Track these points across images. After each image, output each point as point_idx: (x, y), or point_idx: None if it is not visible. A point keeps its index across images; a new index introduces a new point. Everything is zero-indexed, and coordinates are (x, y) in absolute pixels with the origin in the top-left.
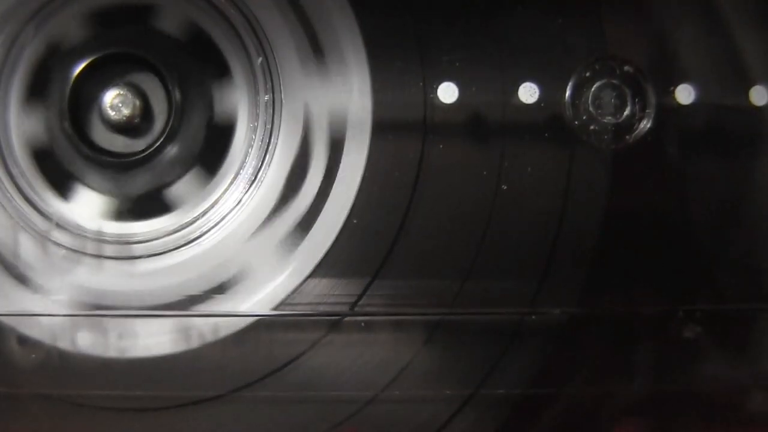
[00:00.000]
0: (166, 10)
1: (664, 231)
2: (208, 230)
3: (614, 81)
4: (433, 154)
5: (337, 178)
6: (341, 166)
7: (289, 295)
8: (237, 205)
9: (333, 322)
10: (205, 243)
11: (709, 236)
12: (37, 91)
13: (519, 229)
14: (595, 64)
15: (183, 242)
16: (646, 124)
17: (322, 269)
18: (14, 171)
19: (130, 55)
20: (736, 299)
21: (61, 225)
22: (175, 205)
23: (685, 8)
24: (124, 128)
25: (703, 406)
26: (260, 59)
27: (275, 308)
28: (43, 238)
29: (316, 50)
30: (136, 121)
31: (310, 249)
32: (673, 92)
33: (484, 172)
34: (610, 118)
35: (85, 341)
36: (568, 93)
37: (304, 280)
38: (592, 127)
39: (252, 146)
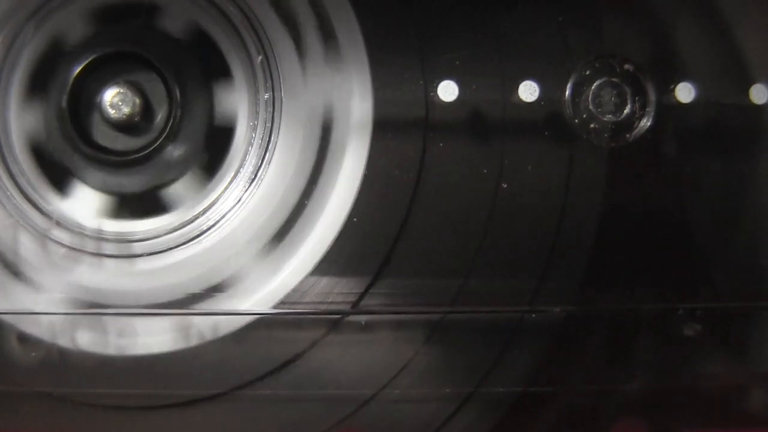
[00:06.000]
0: (166, 9)
1: (664, 229)
2: (208, 229)
3: (614, 79)
4: (434, 152)
5: (337, 177)
6: (342, 164)
7: (289, 294)
8: (237, 203)
9: (333, 321)
10: (205, 242)
11: (709, 234)
12: (37, 89)
13: (519, 228)
14: (595, 63)
15: (183, 241)
16: (646, 123)
17: (322, 268)
18: (14, 169)
19: (130, 53)
20: (736, 297)
21: (60, 223)
22: (175, 204)
23: (685, 6)
24: (125, 127)
25: (702, 404)
26: (260, 58)
27: (275, 307)
28: (43, 237)
29: (316, 48)
30: (136, 119)
31: (311, 247)
32: (673, 90)
33: (485, 171)
34: (610, 116)
35: (85, 339)
36: (568, 91)
37: (305, 279)
38: (592, 126)
39: (252, 145)
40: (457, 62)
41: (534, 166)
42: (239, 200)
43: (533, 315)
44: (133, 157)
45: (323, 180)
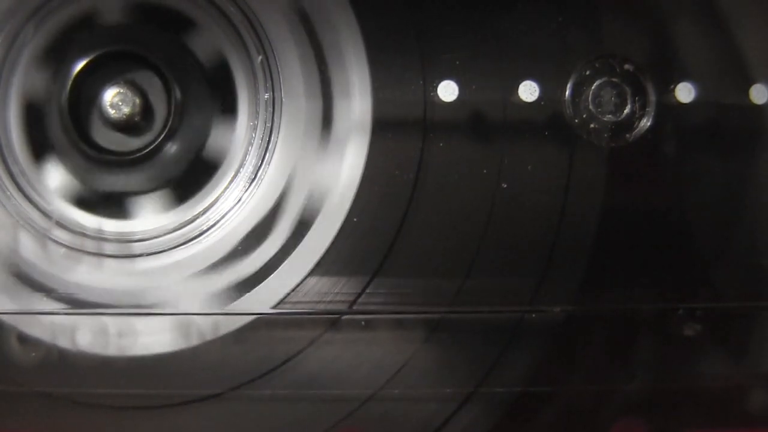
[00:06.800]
0: (165, 8)
1: (664, 229)
2: (208, 229)
3: (614, 79)
4: (433, 152)
5: (337, 177)
6: (341, 164)
7: (288, 294)
8: (237, 203)
9: (332, 321)
10: (205, 241)
11: (709, 234)
12: (36, 90)
13: (519, 228)
14: (595, 63)
15: (183, 240)
16: (646, 123)
17: (321, 267)
18: (14, 170)
19: (130, 53)
20: (736, 297)
21: (60, 223)
22: (175, 204)
23: (685, 6)
24: (125, 126)
25: (702, 404)
26: (260, 57)
27: (275, 306)
28: (43, 237)
29: (316, 48)
30: (136, 119)
31: (310, 247)
32: (673, 90)
33: (484, 171)
34: (610, 116)
35: (85, 339)
36: (568, 91)
37: (304, 279)
38: (592, 126)
39: (252, 144)
40: (457, 62)
41: (534, 166)
42: (239, 200)
43: (533, 315)
44: (133, 156)
45: (323, 180)
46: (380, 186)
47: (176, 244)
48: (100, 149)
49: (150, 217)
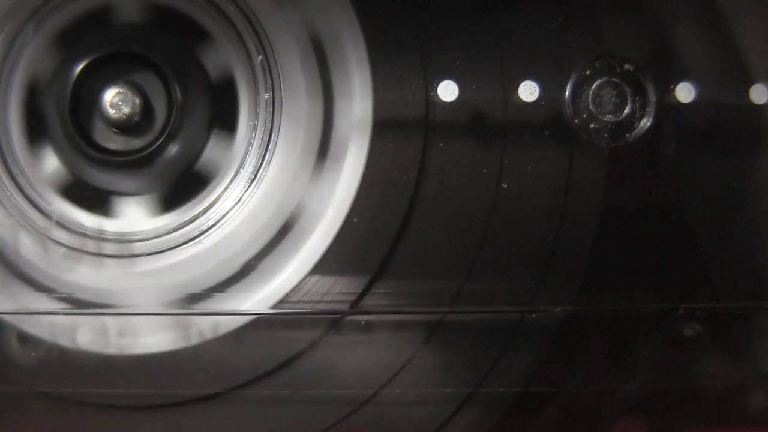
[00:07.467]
0: (166, 9)
1: (664, 229)
2: (209, 229)
3: (614, 79)
4: (434, 152)
5: (337, 177)
6: (342, 164)
7: (289, 294)
8: (237, 203)
9: (333, 321)
10: (205, 241)
11: (709, 234)
12: (37, 89)
13: (519, 228)
14: (595, 63)
15: (183, 240)
16: (646, 123)
17: (322, 268)
18: (14, 169)
19: (130, 53)
20: (736, 297)
21: (60, 223)
22: (175, 204)
23: (685, 6)
24: (125, 127)
25: (702, 404)
26: (260, 58)
27: (275, 306)
28: (43, 236)
29: (317, 48)
30: (136, 119)
31: (311, 247)
32: (673, 90)
33: (485, 171)
34: (610, 116)
35: (86, 339)
36: (568, 91)
37: (305, 279)
38: (592, 126)
39: (252, 145)
40: (458, 62)
41: (534, 166)
42: (239, 200)
43: (533, 315)
44: (133, 157)
45: (323, 180)
46: (380, 186)
47: (176, 244)
48: (101, 149)
49: (150, 217)
